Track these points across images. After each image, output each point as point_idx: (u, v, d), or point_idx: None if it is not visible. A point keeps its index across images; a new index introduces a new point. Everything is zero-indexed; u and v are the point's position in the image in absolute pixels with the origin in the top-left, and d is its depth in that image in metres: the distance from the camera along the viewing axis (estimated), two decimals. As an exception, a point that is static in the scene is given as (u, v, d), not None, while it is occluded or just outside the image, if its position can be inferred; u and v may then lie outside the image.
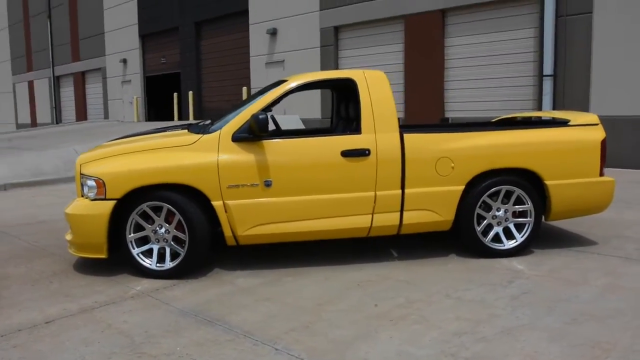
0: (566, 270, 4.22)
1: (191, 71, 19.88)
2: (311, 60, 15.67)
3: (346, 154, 4.33)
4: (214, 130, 4.38)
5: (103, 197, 4.22)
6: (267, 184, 4.29)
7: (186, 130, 4.72)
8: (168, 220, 4.30)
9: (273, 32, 16.67)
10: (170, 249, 4.33)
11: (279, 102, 4.51)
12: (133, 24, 21.85)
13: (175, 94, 20.10)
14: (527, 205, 4.61)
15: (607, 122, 10.16)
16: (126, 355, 2.97)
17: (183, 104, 19.83)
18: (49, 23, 26.00)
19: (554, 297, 3.66)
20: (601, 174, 4.73)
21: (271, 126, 5.34)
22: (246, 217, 4.29)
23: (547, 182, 4.60)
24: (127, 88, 22.57)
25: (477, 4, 12.13)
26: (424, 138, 4.46)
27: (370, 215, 4.41)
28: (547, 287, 3.84)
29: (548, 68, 11.13)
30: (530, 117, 5.86)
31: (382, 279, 4.14)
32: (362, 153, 4.34)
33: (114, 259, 4.59)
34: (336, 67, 15.28)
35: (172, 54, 20.87)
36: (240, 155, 4.27)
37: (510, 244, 4.64)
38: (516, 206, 4.63)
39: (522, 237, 4.65)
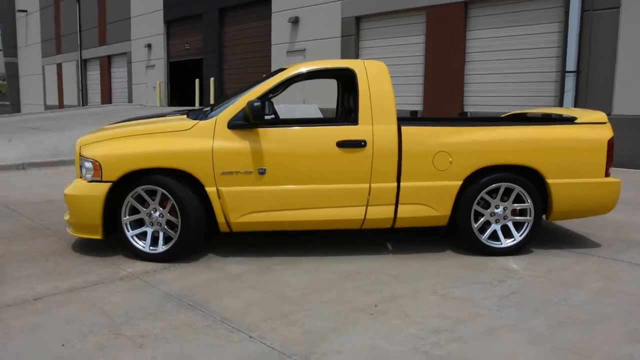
0: (562, 272, 4.11)
1: (213, 58, 19.97)
2: (332, 50, 15.56)
3: (341, 144, 4.28)
4: (211, 117, 4.38)
5: (99, 179, 4.27)
6: (261, 172, 4.27)
7: (185, 116, 4.73)
8: (162, 204, 4.33)
9: (295, 21, 16.60)
10: (164, 233, 4.37)
11: (277, 90, 4.49)
12: (158, 10, 22.02)
13: (197, 80, 20.23)
14: (526, 204, 4.50)
15: (631, 121, 9.86)
16: (103, 334, 3.01)
17: (205, 90, 19.95)
18: (78, 7, 26.41)
19: (543, 298, 3.57)
20: (607, 175, 4.58)
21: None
22: (239, 204, 4.29)
23: (549, 181, 4.47)
24: (151, 73, 22.82)
25: (501, -3, 11.85)
26: (421, 131, 4.38)
27: (365, 208, 4.36)
28: (539, 289, 3.75)
29: (571, 64, 10.82)
30: (539, 114, 5.71)
31: (372, 272, 4.10)
32: (358, 144, 4.29)
33: (113, 241, 4.65)
34: (356, 58, 15.15)
35: (196, 40, 20.99)
36: (235, 143, 4.26)
37: (508, 243, 4.54)
38: (515, 204, 4.52)
39: (520, 236, 4.54)
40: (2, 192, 7.35)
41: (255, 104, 4.11)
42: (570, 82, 10.90)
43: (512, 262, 4.35)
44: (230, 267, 4.23)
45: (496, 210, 4.52)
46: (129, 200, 4.32)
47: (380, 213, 4.39)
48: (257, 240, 4.95)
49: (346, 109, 5.27)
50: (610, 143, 4.55)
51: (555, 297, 3.60)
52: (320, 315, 3.28)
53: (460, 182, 4.40)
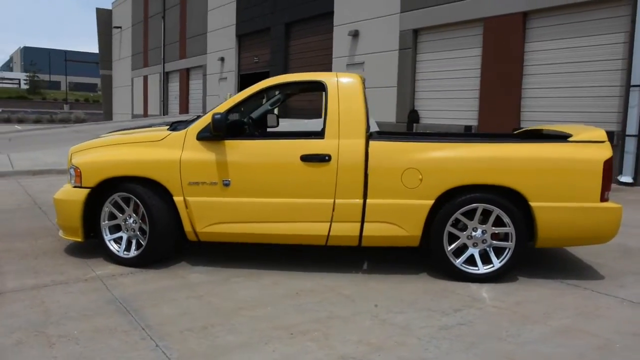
0: (534, 305, 3.73)
1: (279, 70, 20.46)
2: (389, 63, 15.39)
3: (305, 158, 4.21)
4: (185, 128, 4.48)
5: (80, 185, 4.52)
6: (226, 184, 4.30)
7: (167, 127, 4.88)
8: (136, 211, 4.48)
9: (355, 34, 16.63)
10: (137, 239, 4.52)
11: (248, 103, 4.50)
12: (231, 25, 23.00)
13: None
14: (508, 228, 4.15)
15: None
16: (28, 332, 3.16)
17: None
18: (163, 23, 28.24)
19: (490, 333, 3.26)
20: (603, 199, 4.12)
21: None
22: (205, 214, 4.34)
23: (533, 204, 4.10)
24: (223, 85, 23.82)
25: (563, 6, 11.10)
26: (390, 147, 4.20)
27: (329, 224, 4.25)
28: (493, 321, 3.43)
29: (637, 77, 9.88)
30: (552, 131, 5.26)
31: (326, 291, 3.97)
32: (322, 159, 4.19)
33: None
34: (413, 71, 14.87)
35: (264, 53, 21.65)
36: (201, 154, 4.33)
37: (485, 269, 4.20)
38: (494, 227, 4.19)
39: (500, 262, 4.19)
40: (44, 194, 7.97)
41: (216, 116, 4.16)
42: (635, 97, 9.96)
43: (485, 291, 4.02)
44: (192, 275, 4.29)
45: (474, 233, 4.21)
46: (107, 206, 4.52)
47: (345, 230, 4.24)
48: (242, 250, 4.97)
49: None
50: (608, 164, 4.09)
51: (506, 332, 3.28)
52: (239, 330, 3.23)
53: (431, 201, 4.15)
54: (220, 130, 4.18)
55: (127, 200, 4.49)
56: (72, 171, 4.59)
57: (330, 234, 4.25)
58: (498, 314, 3.56)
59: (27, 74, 69.64)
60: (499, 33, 12.39)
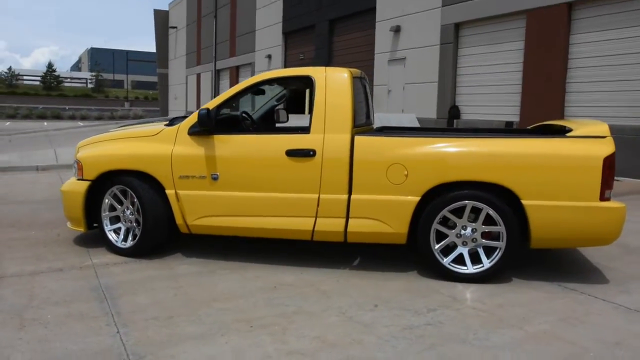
0: (516, 308, 3.55)
1: (322, 67, 20.48)
2: (430, 58, 15.07)
3: (290, 153, 4.20)
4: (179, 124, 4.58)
5: (82, 177, 4.72)
6: (214, 178, 4.36)
7: (165, 123, 5.00)
8: (133, 203, 4.63)
9: (396, 30, 16.39)
10: (133, 230, 4.67)
11: (237, 99, 4.54)
12: (278, 22, 23.24)
13: (307, 90, 20.87)
14: (498, 227, 3.97)
15: None
16: (8, 314, 3.34)
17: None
18: (214, 22, 28.94)
19: (455, 335, 3.13)
20: (603, 198, 3.85)
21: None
22: (194, 207, 4.43)
23: (525, 202, 3.89)
24: (269, 82, 24.08)
25: (610, -6, 10.46)
26: (375, 141, 4.11)
27: (314, 219, 4.21)
28: (465, 323, 3.29)
29: (691, 70, 9.18)
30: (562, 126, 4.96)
31: (305, 285, 3.95)
32: (307, 153, 4.16)
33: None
34: (455, 66, 14.48)
35: (309, 50, 21.73)
36: (192, 148, 4.41)
37: (474, 269, 4.04)
38: (485, 226, 4.01)
39: (490, 262, 4.02)
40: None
41: (202, 112, 4.23)
42: (688, 91, 9.24)
43: (470, 291, 3.86)
44: (181, 267, 4.38)
45: (463, 232, 4.05)
46: (107, 198, 4.69)
47: (330, 225, 4.20)
48: (239, 243, 5.03)
49: None
50: (608, 161, 3.82)
51: (473, 335, 3.13)
52: (202, 321, 3.27)
53: (417, 198, 4.03)
54: (205, 125, 4.25)
55: (125, 193, 4.65)
56: (75, 164, 4.80)
57: (315, 229, 4.22)
58: (474, 315, 3.41)
59: (92, 73, 73.53)
60: (542, 25, 11.83)
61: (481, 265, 4.04)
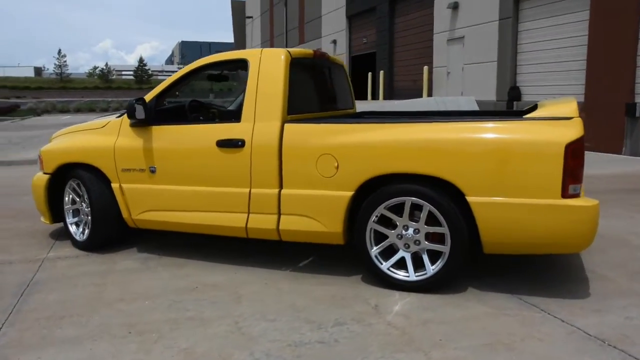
0: (442, 326, 3.00)
1: (384, 50, 19.79)
2: (489, 35, 13.92)
3: (221, 144, 3.90)
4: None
5: (43, 171, 4.75)
6: (152, 170, 4.19)
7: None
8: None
9: (454, 7, 15.35)
10: (88, 224, 4.62)
11: (177, 87, 4.29)
12: (342, 7, 22.75)
13: (369, 74, 20.32)
14: (442, 228, 3.40)
15: None
16: None
17: (376, 84, 19.92)
18: (285, 10, 29.01)
19: (343, 357, 2.68)
20: (566, 194, 3.15)
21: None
22: (136, 201, 4.28)
23: (471, 199, 3.29)
24: (334, 68, 23.72)
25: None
26: (304, 129, 3.68)
27: (246, 215, 3.89)
28: (364, 343, 2.82)
29: None
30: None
31: (226, 287, 3.67)
32: (235, 144, 3.84)
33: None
34: (515, 43, 13.25)
35: (371, 33, 21.09)
36: (132, 140, 4.25)
37: (416, 276, 3.50)
38: (428, 227, 3.46)
39: (433, 269, 3.46)
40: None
41: (130, 102, 4.04)
42: None
43: (402, 302, 3.35)
44: (125, 262, 4.26)
45: (405, 232, 3.53)
46: (68, 191, 4.69)
47: (262, 222, 3.85)
48: (213, 240, 4.82)
49: None
50: (572, 148, 3.10)
51: (362, 357, 2.67)
52: (87, 324, 3.10)
53: (350, 193, 3.57)
54: (133, 117, 4.06)
55: (80, 186, 4.61)
56: (39, 157, 4.84)
57: (248, 225, 3.89)
58: (381, 334, 2.93)
59: (180, 65, 77.25)
60: (610, -9, 10.40)
61: (424, 271, 3.49)
